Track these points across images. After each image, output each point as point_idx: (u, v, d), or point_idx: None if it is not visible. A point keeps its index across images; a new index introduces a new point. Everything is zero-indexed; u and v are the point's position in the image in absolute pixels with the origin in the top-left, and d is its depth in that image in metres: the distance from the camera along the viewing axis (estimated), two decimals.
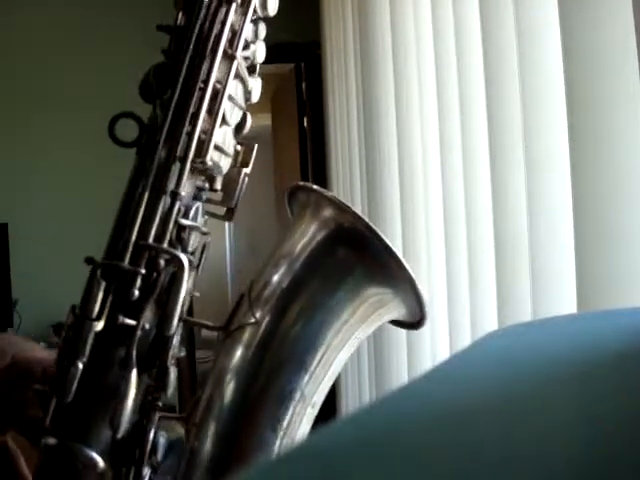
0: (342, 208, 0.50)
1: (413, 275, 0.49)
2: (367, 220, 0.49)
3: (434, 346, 1.26)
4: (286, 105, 3.51)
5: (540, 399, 0.25)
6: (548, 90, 0.71)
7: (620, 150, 0.59)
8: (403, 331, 1.46)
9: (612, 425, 0.22)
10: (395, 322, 0.53)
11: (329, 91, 2.67)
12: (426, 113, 1.23)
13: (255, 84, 0.52)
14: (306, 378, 0.48)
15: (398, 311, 0.51)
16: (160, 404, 0.47)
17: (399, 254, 0.49)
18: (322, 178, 2.93)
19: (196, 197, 0.49)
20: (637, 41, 0.53)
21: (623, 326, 0.35)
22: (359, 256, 0.49)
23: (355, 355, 2.16)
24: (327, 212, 0.50)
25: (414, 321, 0.52)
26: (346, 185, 2.21)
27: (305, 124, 3.28)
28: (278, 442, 0.47)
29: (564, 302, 0.69)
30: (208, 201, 0.51)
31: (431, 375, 0.30)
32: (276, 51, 3.10)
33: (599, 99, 0.61)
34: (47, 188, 2.90)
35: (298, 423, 0.48)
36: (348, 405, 2.41)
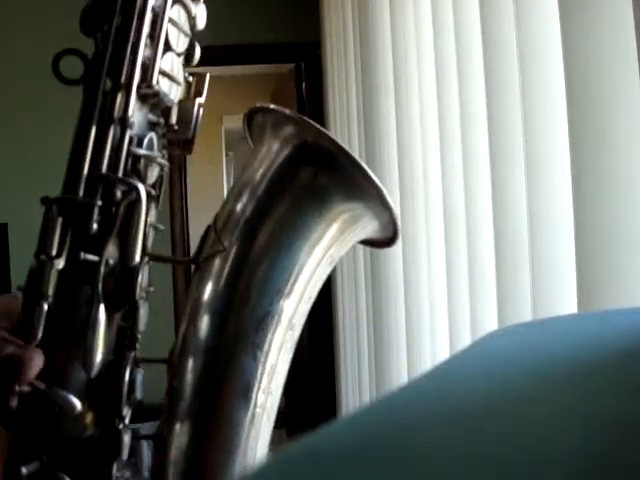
0: (304, 124, 0.48)
1: (382, 187, 0.47)
2: (331, 134, 0.48)
3: (434, 346, 1.26)
4: (286, 105, 3.50)
5: (540, 399, 0.25)
6: (548, 90, 0.71)
7: (620, 150, 0.59)
8: (403, 331, 1.46)
9: (612, 425, 0.22)
10: (369, 242, 0.52)
11: (329, 91, 2.67)
12: (426, 113, 1.23)
13: (199, 10, 0.51)
14: (281, 301, 0.47)
15: (371, 226, 0.50)
16: (136, 342, 0.46)
17: (366, 167, 0.47)
18: None
19: (151, 130, 0.48)
20: (637, 41, 0.53)
21: (623, 326, 0.35)
22: (325, 173, 0.48)
23: (355, 355, 2.16)
24: (288, 130, 0.49)
25: (387, 237, 0.51)
26: None
27: None
28: (260, 369, 0.46)
29: (564, 302, 0.69)
30: (164, 136, 0.50)
31: (431, 375, 0.30)
32: (276, 51, 3.12)
33: (599, 99, 0.61)
34: (47, 188, 2.89)
35: (278, 348, 0.47)
36: (348, 405, 2.41)
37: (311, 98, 3.19)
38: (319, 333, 3.14)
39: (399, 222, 0.49)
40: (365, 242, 0.52)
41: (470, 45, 0.93)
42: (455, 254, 1.07)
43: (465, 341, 1.03)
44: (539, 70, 0.73)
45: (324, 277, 0.50)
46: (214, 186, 5.17)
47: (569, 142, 0.63)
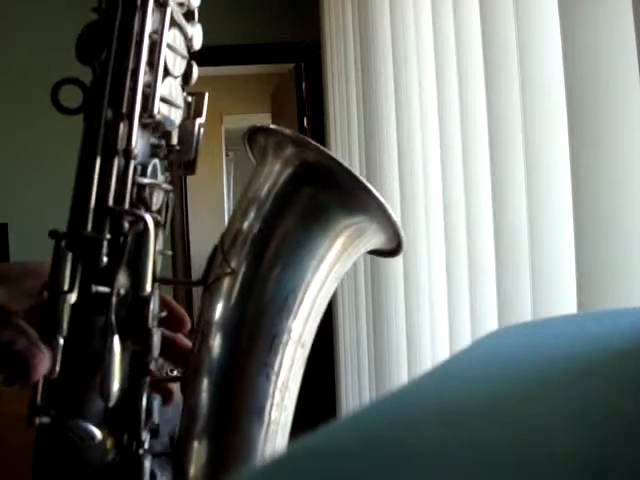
0: (302, 143, 0.49)
1: (382, 200, 0.48)
2: (329, 152, 0.48)
3: (434, 346, 1.26)
4: (286, 105, 3.52)
5: (540, 399, 0.25)
6: (548, 90, 0.71)
7: (620, 150, 0.59)
8: (403, 331, 1.46)
9: (612, 425, 0.22)
10: (374, 252, 0.53)
11: (329, 91, 2.67)
12: (426, 113, 1.23)
13: (195, 31, 0.51)
14: (290, 320, 0.48)
15: (376, 238, 0.50)
16: (151, 367, 0.47)
17: (367, 183, 0.48)
18: None
19: (153, 155, 0.48)
20: (637, 41, 0.53)
21: (623, 326, 0.35)
22: (327, 189, 0.49)
23: (355, 355, 2.16)
24: (289, 150, 0.49)
25: (392, 248, 0.52)
26: None
27: (305, 124, 3.28)
28: (272, 387, 0.47)
29: (564, 302, 0.69)
30: (166, 158, 0.50)
31: (431, 375, 0.30)
32: (276, 51, 3.12)
33: (599, 99, 0.61)
34: (47, 188, 2.90)
35: (290, 366, 0.48)
36: (348, 405, 2.41)
37: (311, 98, 3.19)
38: (319, 333, 3.14)
39: (402, 233, 0.50)
40: (370, 252, 0.53)
41: (470, 45, 0.93)
42: (455, 254, 1.07)
43: (465, 341, 1.03)
44: (539, 70, 0.73)
45: (331, 293, 0.50)
46: (214, 186, 5.17)
47: (569, 142, 0.64)
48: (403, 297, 1.45)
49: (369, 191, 0.48)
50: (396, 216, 0.49)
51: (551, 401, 0.25)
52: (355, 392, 2.20)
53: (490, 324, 0.90)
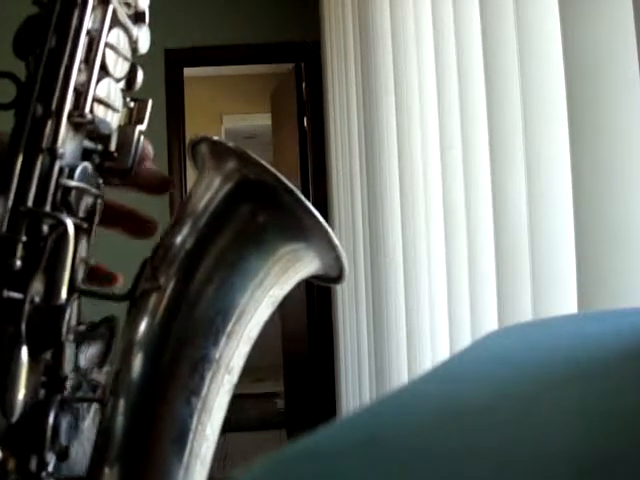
0: (247, 159, 0.46)
1: (327, 227, 0.45)
2: (275, 171, 0.45)
3: (434, 346, 1.26)
4: (286, 105, 3.52)
5: (540, 399, 0.25)
6: (548, 89, 0.71)
7: (620, 150, 0.59)
8: (403, 331, 1.46)
9: (613, 425, 0.22)
10: (316, 278, 0.50)
11: (329, 91, 2.67)
12: (426, 112, 1.23)
13: (142, 33, 0.49)
14: (220, 344, 0.44)
15: (314, 265, 0.48)
16: (64, 385, 0.43)
17: (311, 206, 0.45)
18: (322, 178, 2.94)
19: (86, 159, 0.46)
20: (637, 41, 0.53)
21: (623, 326, 0.35)
22: (268, 210, 0.46)
23: (355, 355, 2.16)
24: (231, 164, 0.46)
25: (334, 275, 0.49)
26: (346, 185, 2.21)
27: (305, 124, 3.29)
28: (195, 414, 0.44)
29: (564, 302, 0.69)
30: (102, 164, 0.47)
31: (431, 375, 0.30)
32: (276, 51, 3.12)
33: (599, 98, 0.61)
34: None
35: (216, 392, 0.45)
36: (348, 405, 2.41)
37: (311, 98, 3.19)
38: (319, 333, 3.14)
39: (345, 262, 0.47)
40: (312, 277, 0.50)
41: (470, 45, 0.93)
42: (455, 254, 1.07)
43: (465, 341, 1.03)
44: (539, 70, 0.73)
45: (265, 318, 0.47)
46: None
47: (569, 142, 0.64)
48: (403, 297, 1.45)
49: (313, 215, 0.45)
50: (339, 243, 0.46)
51: (551, 401, 0.25)
52: (355, 392, 2.20)
53: (490, 324, 0.90)
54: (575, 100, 0.63)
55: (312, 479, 0.20)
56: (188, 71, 3.21)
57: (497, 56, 0.82)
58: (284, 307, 3.78)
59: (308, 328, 3.25)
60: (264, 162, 0.46)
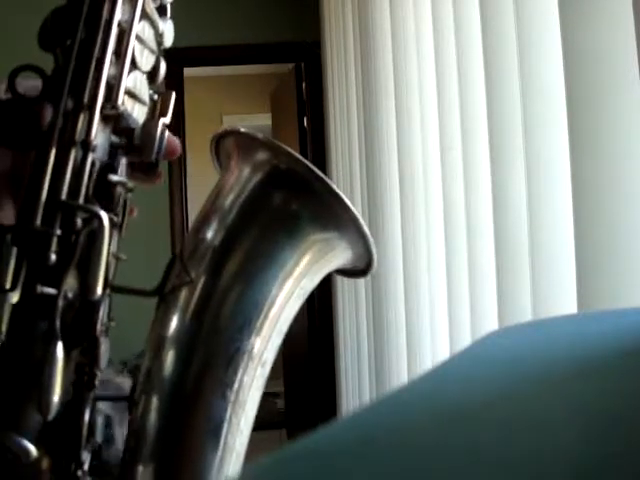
0: (277, 149, 0.45)
1: (358, 215, 0.45)
2: (305, 160, 0.45)
3: (434, 346, 1.26)
4: (286, 105, 3.52)
5: (540, 399, 0.25)
6: (548, 89, 0.71)
7: (620, 150, 0.59)
8: (403, 331, 1.46)
9: (613, 425, 0.22)
10: (343, 272, 0.49)
11: (329, 91, 2.67)
12: (426, 112, 1.23)
13: (167, 27, 0.48)
14: (252, 336, 0.44)
15: (345, 256, 0.47)
16: (96, 381, 0.42)
17: (341, 194, 0.45)
18: None
19: (114, 153, 0.45)
20: (637, 41, 0.53)
21: (623, 326, 0.35)
22: (299, 200, 0.45)
23: (355, 355, 2.16)
24: (259, 155, 0.46)
25: (362, 267, 0.48)
26: (346, 185, 2.21)
27: (305, 124, 3.28)
28: (230, 408, 0.43)
29: (564, 302, 0.69)
30: (127, 157, 0.47)
31: (431, 375, 0.30)
32: (276, 51, 3.12)
33: (599, 98, 0.61)
34: None
35: (249, 386, 0.44)
36: (348, 405, 2.41)
37: (311, 98, 3.19)
38: (319, 333, 3.14)
39: (374, 252, 0.47)
40: (338, 272, 0.50)
41: (470, 45, 0.93)
42: (455, 254, 1.07)
43: (465, 341, 1.03)
44: (539, 70, 0.73)
45: (296, 310, 0.47)
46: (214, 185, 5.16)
47: (569, 142, 0.64)
48: (403, 297, 1.45)
49: (344, 205, 0.45)
50: (369, 234, 0.46)
51: (551, 401, 0.25)
52: (355, 392, 2.20)
53: (490, 324, 0.90)
54: (575, 100, 0.63)
55: (312, 479, 0.20)
56: (188, 71, 3.21)
57: (497, 56, 0.82)
58: None
59: (308, 328, 3.25)
60: (293, 152, 0.45)
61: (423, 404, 0.25)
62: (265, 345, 0.45)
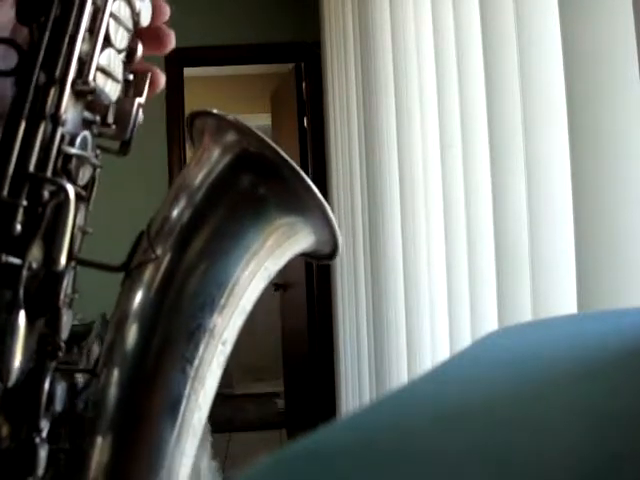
0: (247, 133, 0.46)
1: (324, 201, 0.46)
2: (275, 145, 0.46)
3: (434, 346, 1.26)
4: (286, 105, 3.52)
5: (540, 399, 0.25)
6: (548, 89, 0.71)
7: (620, 150, 0.59)
8: (403, 331, 1.46)
9: (613, 425, 0.22)
10: (308, 255, 0.50)
11: (329, 91, 2.67)
12: (426, 112, 1.23)
13: (144, 6, 0.49)
14: (214, 314, 0.45)
15: (309, 240, 0.48)
16: (59, 352, 0.43)
17: (309, 180, 0.45)
18: (322, 178, 2.94)
19: (86, 129, 0.46)
20: (637, 41, 0.53)
21: (624, 326, 0.35)
22: (266, 183, 0.46)
23: (355, 355, 2.16)
24: (229, 137, 0.47)
25: (328, 252, 0.49)
26: (346, 185, 2.21)
27: (305, 124, 3.29)
28: (189, 383, 0.44)
29: (564, 302, 0.69)
30: (100, 135, 0.47)
31: (431, 375, 0.30)
32: (276, 51, 3.12)
33: (599, 99, 0.61)
34: None
35: (209, 362, 0.45)
36: (348, 405, 2.41)
37: (311, 98, 3.19)
38: (319, 333, 3.14)
39: (339, 237, 0.48)
40: (304, 255, 0.51)
41: (470, 45, 0.93)
42: (455, 254, 1.07)
43: (465, 341, 1.03)
44: (539, 69, 0.73)
45: (259, 290, 0.48)
46: None
47: (569, 142, 0.64)
48: (403, 297, 1.45)
49: (310, 189, 0.46)
50: (334, 219, 0.47)
51: (552, 401, 0.25)
52: (355, 392, 2.20)
53: (490, 324, 0.90)
54: (575, 100, 0.63)
55: (312, 479, 0.20)
56: (188, 71, 3.21)
57: (497, 56, 0.82)
58: (284, 307, 3.78)
59: (308, 328, 3.25)
60: (264, 136, 0.46)
61: (423, 405, 0.25)
62: (227, 324, 0.46)
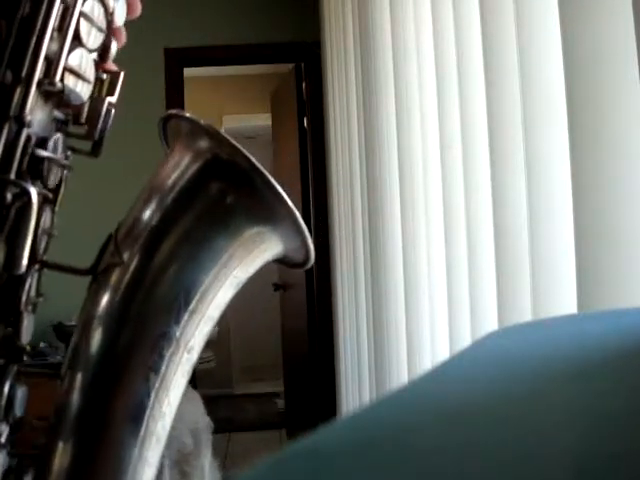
0: (220, 139, 0.45)
1: (295, 210, 0.45)
2: (247, 153, 0.45)
3: (434, 346, 1.26)
4: (286, 105, 3.52)
5: (540, 399, 0.25)
6: (548, 89, 0.71)
7: (620, 150, 0.59)
8: (403, 331, 1.46)
9: (613, 424, 0.22)
10: (281, 261, 0.50)
11: (329, 91, 2.67)
12: (426, 112, 1.23)
13: (118, 5, 0.48)
14: (181, 322, 0.44)
15: (279, 248, 0.48)
16: (22, 355, 0.43)
17: (280, 190, 0.45)
18: (322, 178, 2.94)
19: (57, 130, 0.45)
20: (637, 41, 0.53)
21: (623, 326, 0.35)
22: (237, 191, 0.46)
23: (355, 355, 2.16)
24: (203, 143, 0.46)
25: (300, 260, 0.49)
26: (346, 185, 2.21)
27: (305, 124, 3.28)
28: (153, 392, 0.43)
29: (564, 302, 0.69)
30: (69, 135, 0.46)
31: (431, 375, 0.30)
32: (276, 51, 3.12)
33: (599, 99, 0.61)
34: None
35: (174, 371, 0.44)
36: (348, 405, 2.41)
37: (311, 98, 3.19)
38: (319, 333, 3.14)
39: (311, 246, 0.47)
40: (278, 261, 0.50)
41: (470, 45, 0.93)
42: (455, 254, 1.07)
43: (465, 341, 1.03)
44: (539, 69, 0.73)
45: (228, 299, 0.47)
46: None
47: (569, 142, 0.63)
48: (403, 297, 1.45)
49: (282, 199, 0.45)
50: (306, 228, 0.46)
51: (551, 400, 0.25)
52: (355, 392, 2.20)
53: (490, 324, 0.90)
54: (575, 100, 0.63)
55: (312, 479, 0.20)
56: (188, 71, 3.21)
57: (497, 56, 0.82)
58: (284, 307, 3.78)
59: (308, 328, 3.24)
60: (236, 143, 0.45)
61: (423, 404, 0.25)
62: (194, 331, 0.45)
